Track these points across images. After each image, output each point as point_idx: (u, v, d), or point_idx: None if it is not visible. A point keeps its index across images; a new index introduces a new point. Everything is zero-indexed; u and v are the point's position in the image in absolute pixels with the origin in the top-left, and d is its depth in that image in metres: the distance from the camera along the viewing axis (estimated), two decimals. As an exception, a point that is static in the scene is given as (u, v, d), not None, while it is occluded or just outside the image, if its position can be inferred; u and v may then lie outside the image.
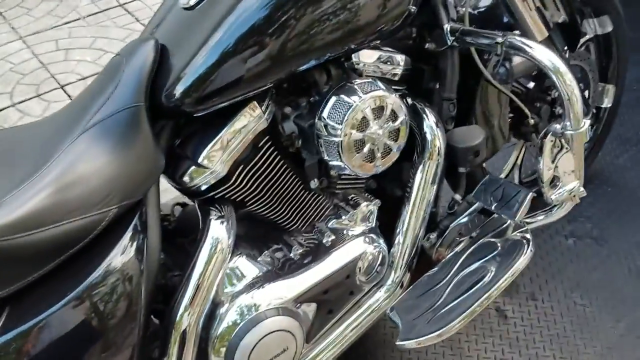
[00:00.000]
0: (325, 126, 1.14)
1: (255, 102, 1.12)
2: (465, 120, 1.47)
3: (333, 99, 1.14)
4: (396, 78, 1.34)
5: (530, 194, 1.31)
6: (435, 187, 1.38)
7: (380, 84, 1.17)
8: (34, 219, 0.92)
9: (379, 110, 1.16)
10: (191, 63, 1.07)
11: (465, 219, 1.43)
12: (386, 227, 1.41)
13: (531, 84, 1.62)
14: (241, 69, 1.07)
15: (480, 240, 1.38)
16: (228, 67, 1.07)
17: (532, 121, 1.62)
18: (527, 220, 1.42)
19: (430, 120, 1.33)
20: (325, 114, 1.14)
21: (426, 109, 1.34)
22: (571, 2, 1.46)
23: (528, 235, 1.35)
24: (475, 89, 1.47)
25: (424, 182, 1.36)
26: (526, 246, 1.33)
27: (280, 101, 1.19)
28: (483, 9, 1.57)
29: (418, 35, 1.37)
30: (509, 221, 1.38)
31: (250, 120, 1.12)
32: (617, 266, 1.89)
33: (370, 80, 1.17)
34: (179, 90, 1.06)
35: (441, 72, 1.35)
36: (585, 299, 1.80)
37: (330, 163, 1.19)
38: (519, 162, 1.89)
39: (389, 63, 1.31)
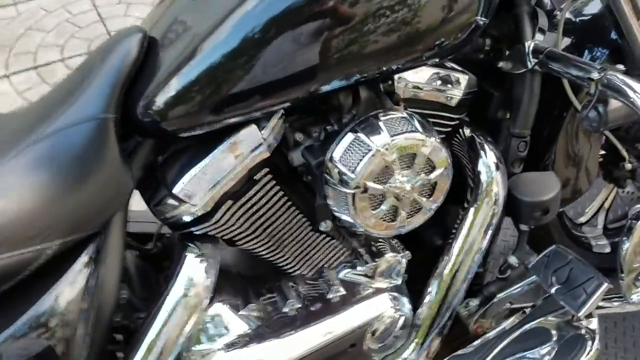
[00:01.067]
0: (336, 171, 0.87)
1: (254, 126, 0.88)
2: (540, 159, 1.23)
3: (350, 136, 0.87)
4: (453, 103, 1.05)
5: (606, 284, 0.99)
6: (485, 242, 1.11)
7: (416, 122, 0.89)
8: None
9: (408, 159, 0.88)
10: (181, 67, 0.83)
11: (517, 290, 1.13)
12: (417, 280, 1.15)
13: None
14: (245, 83, 0.83)
15: (533, 322, 1.08)
16: (228, 78, 0.82)
17: (629, 166, 1.31)
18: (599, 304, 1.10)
19: (488, 159, 1.07)
20: (336, 154, 0.87)
21: (486, 145, 1.08)
22: None
23: (594, 327, 1.04)
24: (560, 121, 1.21)
25: (472, 233, 1.10)
26: (590, 343, 1.03)
27: (292, 122, 0.94)
28: (587, 17, 1.23)
29: (492, 49, 1.08)
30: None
31: (245, 148, 0.88)
32: None
33: (404, 116, 0.89)
34: (160, 101, 0.83)
35: (515, 101, 1.07)
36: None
37: (338, 216, 0.93)
38: (606, 205, 1.55)
39: (444, 83, 1.01)
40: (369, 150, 0.86)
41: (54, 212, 0.80)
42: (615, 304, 1.11)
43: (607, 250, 1.55)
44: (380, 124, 0.87)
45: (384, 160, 0.86)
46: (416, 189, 0.91)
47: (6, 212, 0.77)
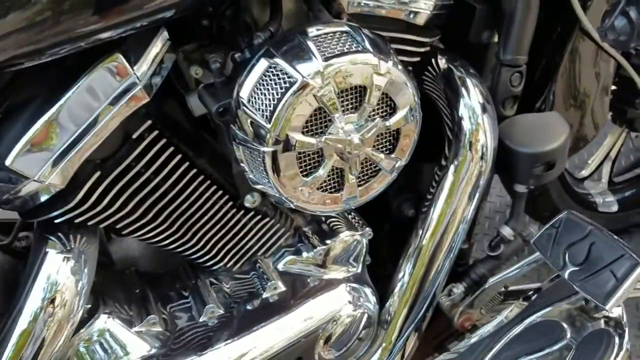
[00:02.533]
0: (246, 118, 0.58)
1: (120, 55, 0.60)
2: (538, 99, 1.03)
3: (262, 63, 0.58)
4: (420, 21, 0.80)
5: (642, 265, 0.72)
6: (471, 209, 0.88)
7: (365, 39, 0.60)
8: None
9: (355, 95, 0.59)
10: None
11: (514, 272, 0.87)
12: (384, 263, 0.94)
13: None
14: None
15: (539, 313, 0.82)
16: None
17: None
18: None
19: (472, 99, 0.84)
20: (244, 93, 0.59)
21: (468, 79, 0.85)
22: None
23: (622, 320, 0.79)
24: (564, 48, 1.00)
25: (453, 198, 0.88)
26: (617, 340, 0.78)
27: (187, 55, 0.68)
28: None
29: None
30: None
31: (108, 91, 0.61)
32: None
33: (345, 29, 0.59)
34: None
35: (506, 16, 0.84)
36: None
37: (256, 186, 0.64)
38: (612, 154, 1.30)
39: (406, -8, 0.74)
40: (292, 83, 0.56)
41: None
42: (646, 282, 0.85)
43: (615, 208, 1.33)
44: (309, 42, 0.58)
45: (315, 98, 0.56)
46: (369, 142, 0.62)
47: None
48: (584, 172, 1.36)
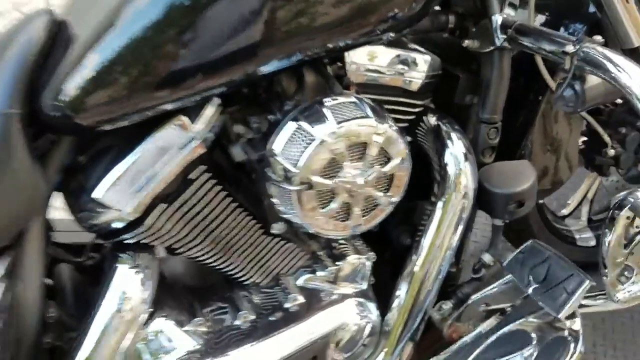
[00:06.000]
0: (278, 165, 0.77)
1: (184, 117, 0.78)
2: (516, 147, 1.17)
3: (290, 125, 0.77)
4: (413, 87, 0.97)
5: (587, 282, 0.89)
6: (456, 238, 1.02)
7: (367, 107, 0.79)
8: None
9: (359, 149, 0.78)
10: (94, 53, 0.73)
11: (493, 290, 1.04)
12: (385, 283, 1.07)
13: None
14: (170, 65, 0.73)
15: (512, 324, 0.99)
16: (148, 62, 0.73)
17: (612, 152, 1.23)
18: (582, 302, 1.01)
19: (456, 149, 0.99)
20: (277, 146, 0.77)
21: (453, 133, 1.00)
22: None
23: (578, 327, 0.95)
24: (537, 105, 1.16)
25: (441, 230, 1.02)
26: (573, 345, 0.94)
27: (233, 113, 0.85)
28: (566, -7, 1.15)
29: (457, 27, 1.01)
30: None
31: (175, 144, 0.79)
32: None
33: (352, 100, 0.79)
34: (70, 93, 0.73)
35: (483, 83, 1.00)
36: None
37: (285, 216, 0.82)
38: (589, 195, 1.46)
39: (401, 65, 0.91)
40: (313, 140, 0.75)
41: None
42: (600, 301, 1.02)
43: (592, 243, 1.48)
44: (325, 110, 0.77)
45: (330, 151, 0.76)
46: (370, 183, 0.81)
47: None
48: (565, 211, 1.51)
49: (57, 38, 0.77)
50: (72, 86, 0.73)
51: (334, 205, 0.80)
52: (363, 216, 0.84)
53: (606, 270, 0.89)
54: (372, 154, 0.79)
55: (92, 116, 0.74)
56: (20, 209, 0.77)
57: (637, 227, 0.86)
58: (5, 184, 0.74)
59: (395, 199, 0.85)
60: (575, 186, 1.50)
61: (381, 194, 0.83)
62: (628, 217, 0.86)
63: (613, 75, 0.81)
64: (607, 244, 0.87)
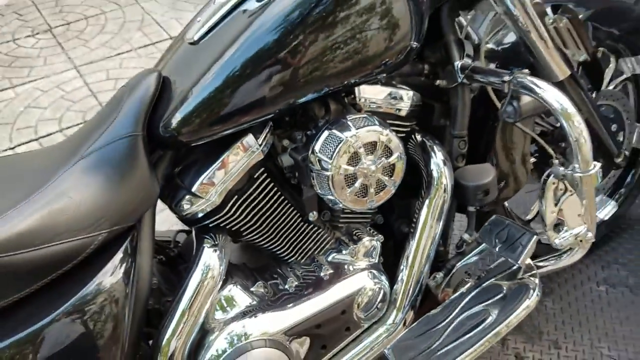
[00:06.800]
0: (318, 160, 1.14)
1: (251, 135, 1.14)
2: (483, 158, 1.46)
3: (326, 133, 1.14)
4: (402, 114, 1.32)
5: (535, 237, 1.26)
6: (441, 224, 1.35)
7: (375, 119, 1.17)
8: (24, 240, 0.96)
9: (371, 146, 1.15)
10: (189, 94, 1.09)
11: (473, 259, 1.38)
12: (393, 264, 1.40)
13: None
14: (238, 101, 1.08)
15: (487, 282, 1.33)
16: (225, 99, 1.08)
17: (556, 162, 1.55)
18: (538, 264, 1.36)
19: (437, 157, 1.31)
20: (317, 147, 1.14)
21: (434, 146, 1.32)
22: (590, 42, 1.40)
23: (536, 280, 1.29)
24: (495, 126, 1.45)
25: (429, 219, 1.33)
26: (532, 290, 1.28)
27: (279, 134, 1.21)
28: (507, 46, 1.54)
29: (430, 72, 1.36)
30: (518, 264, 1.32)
31: (245, 152, 1.14)
32: (651, 317, 1.77)
33: (365, 116, 1.17)
34: (175, 120, 1.09)
35: (452, 109, 1.34)
36: (613, 350, 1.69)
37: (324, 197, 1.18)
38: (546, 203, 1.81)
39: (393, 99, 1.30)
40: (341, 141, 1.13)
41: (101, 208, 1.03)
42: (552, 261, 1.36)
43: (553, 241, 1.80)
44: (348, 122, 1.15)
45: (352, 148, 1.13)
46: (379, 170, 1.18)
47: (70, 207, 1.01)
48: (529, 216, 1.86)
49: (163, 87, 1.13)
50: (176, 118, 1.09)
51: (356, 185, 1.16)
52: (375, 194, 1.20)
53: (546, 227, 1.24)
54: (379, 149, 1.16)
55: (188, 136, 1.09)
56: (142, 200, 1.08)
57: (561, 189, 1.21)
58: (133, 182, 1.08)
59: (397, 182, 1.21)
60: (534, 196, 1.86)
61: (387, 177, 1.19)
62: (554, 183, 1.21)
63: (539, 94, 1.19)
64: (544, 205, 1.22)
